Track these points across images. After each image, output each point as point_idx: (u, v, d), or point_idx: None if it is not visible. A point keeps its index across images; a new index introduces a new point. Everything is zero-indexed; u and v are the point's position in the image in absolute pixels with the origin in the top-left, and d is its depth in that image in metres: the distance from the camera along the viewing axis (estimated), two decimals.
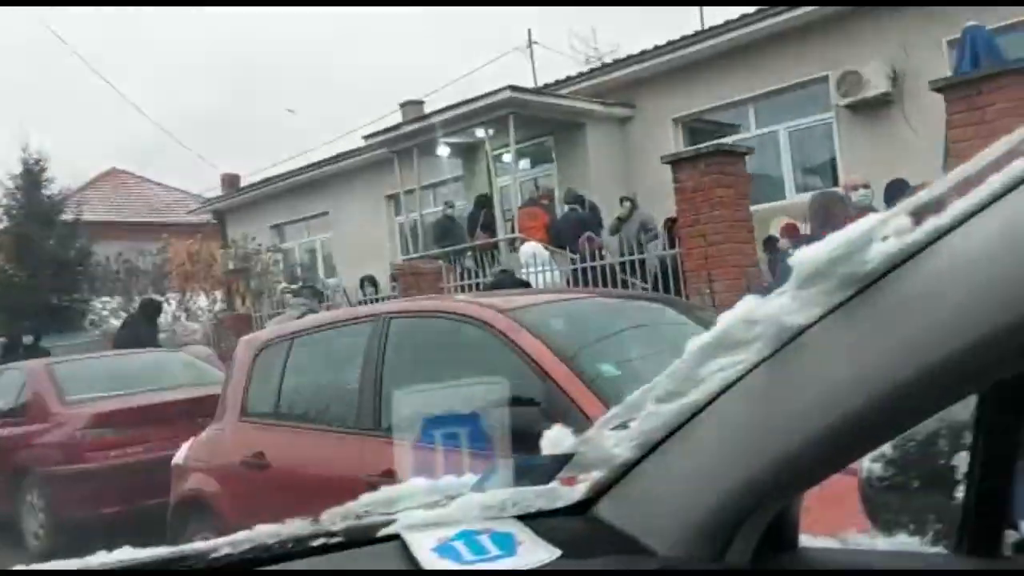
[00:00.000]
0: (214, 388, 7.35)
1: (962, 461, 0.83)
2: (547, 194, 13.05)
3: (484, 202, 13.08)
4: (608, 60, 17.79)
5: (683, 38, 12.67)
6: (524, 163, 13.67)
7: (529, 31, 25.15)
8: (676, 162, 7.20)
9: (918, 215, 0.66)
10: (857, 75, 10.64)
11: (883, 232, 0.67)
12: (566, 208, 11.63)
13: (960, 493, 0.83)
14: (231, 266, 16.78)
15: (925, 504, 0.88)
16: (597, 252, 9.17)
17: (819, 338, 0.70)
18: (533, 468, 0.96)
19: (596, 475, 0.93)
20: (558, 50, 30.07)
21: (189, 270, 16.35)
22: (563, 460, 0.92)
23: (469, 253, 12.62)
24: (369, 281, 12.05)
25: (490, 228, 12.89)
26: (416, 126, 13.14)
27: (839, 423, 0.68)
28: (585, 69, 14.94)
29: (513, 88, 11.96)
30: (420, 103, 20.49)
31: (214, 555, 0.86)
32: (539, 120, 12.68)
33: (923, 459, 0.88)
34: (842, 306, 0.68)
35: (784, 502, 0.82)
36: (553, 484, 0.96)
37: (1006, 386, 0.74)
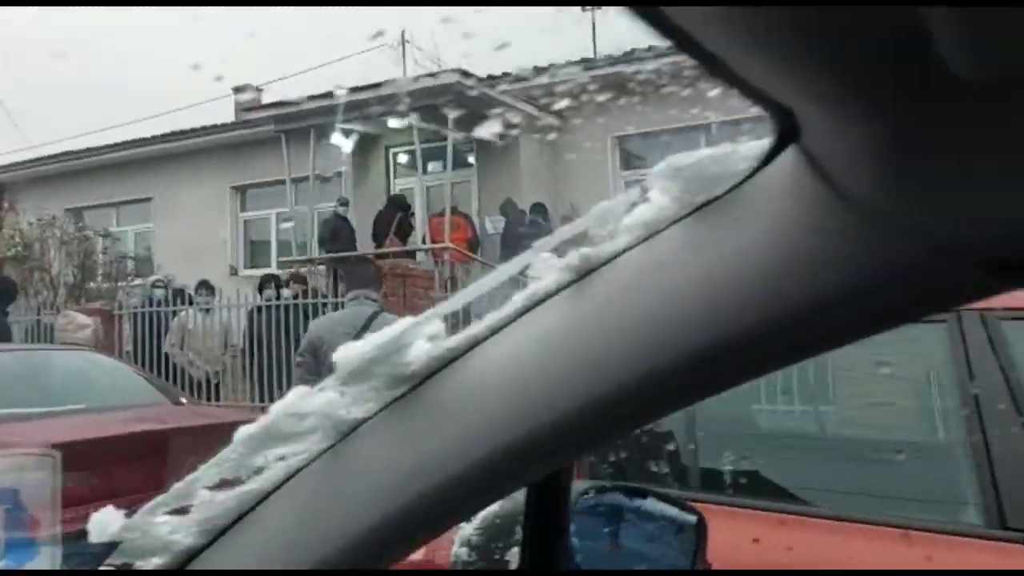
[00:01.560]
0: (182, 412, 5.04)
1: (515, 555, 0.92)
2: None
3: (400, 203, 11.12)
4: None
5: (624, 54, 11.69)
6: (434, 165, 11.90)
7: (403, 31, 22.59)
8: None
9: (448, 320, 0.70)
10: None
11: (419, 335, 0.69)
12: (525, 218, 10.02)
13: None
14: (14, 252, 13.51)
15: None
16: None
17: (377, 430, 0.71)
18: (78, 554, 0.84)
19: (156, 561, 0.81)
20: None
21: None
22: (110, 547, 0.80)
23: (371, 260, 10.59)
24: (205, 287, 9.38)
25: (404, 234, 10.97)
26: (322, 103, 10.93)
27: (406, 508, 0.68)
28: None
29: (462, 73, 10.24)
30: (259, 89, 18.07)
31: None
32: (464, 118, 11.01)
33: (498, 548, 0.92)
34: (396, 402, 0.70)
35: None
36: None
37: (547, 482, 0.87)
